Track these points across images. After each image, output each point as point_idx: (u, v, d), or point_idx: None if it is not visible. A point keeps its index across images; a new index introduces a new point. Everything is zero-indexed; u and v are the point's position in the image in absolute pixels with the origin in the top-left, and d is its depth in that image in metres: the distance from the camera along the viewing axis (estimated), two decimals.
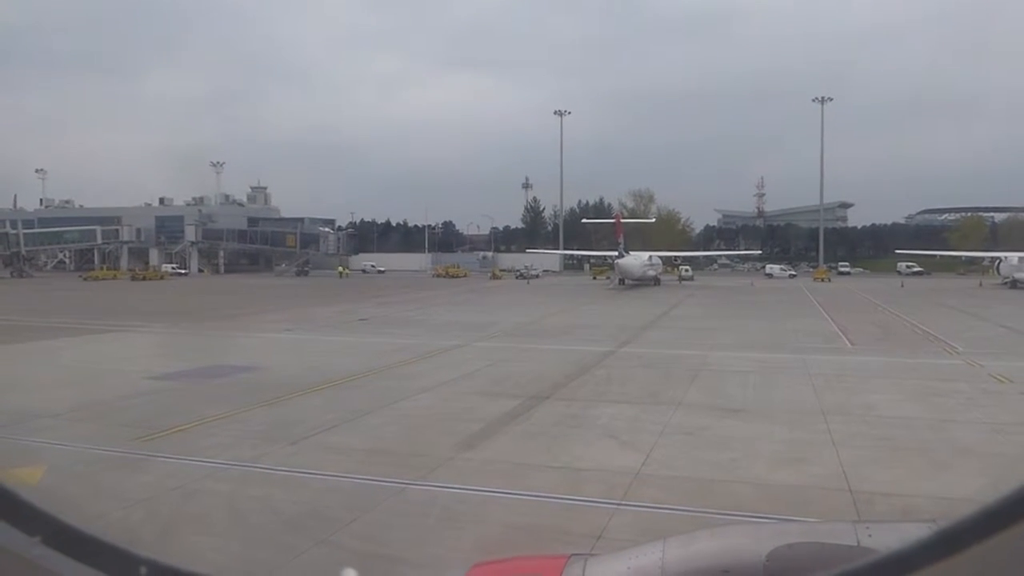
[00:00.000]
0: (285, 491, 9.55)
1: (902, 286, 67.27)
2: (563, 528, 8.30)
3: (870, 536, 2.28)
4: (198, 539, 8.14)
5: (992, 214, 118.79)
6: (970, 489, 9.03)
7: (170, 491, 9.47)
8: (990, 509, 1.21)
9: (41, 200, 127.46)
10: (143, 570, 1.64)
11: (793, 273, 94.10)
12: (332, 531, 8.09)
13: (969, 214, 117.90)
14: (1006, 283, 63.62)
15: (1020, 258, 63.51)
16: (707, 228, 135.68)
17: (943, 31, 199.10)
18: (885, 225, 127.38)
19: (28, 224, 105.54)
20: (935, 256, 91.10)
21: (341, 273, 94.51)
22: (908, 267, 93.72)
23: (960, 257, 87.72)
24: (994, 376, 18.18)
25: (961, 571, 1.23)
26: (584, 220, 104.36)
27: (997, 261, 71.45)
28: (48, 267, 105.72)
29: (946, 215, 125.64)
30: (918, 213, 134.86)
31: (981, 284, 67.32)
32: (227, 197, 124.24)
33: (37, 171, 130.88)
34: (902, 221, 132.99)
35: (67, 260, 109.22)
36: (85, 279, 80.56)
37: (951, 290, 59.97)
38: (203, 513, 8.87)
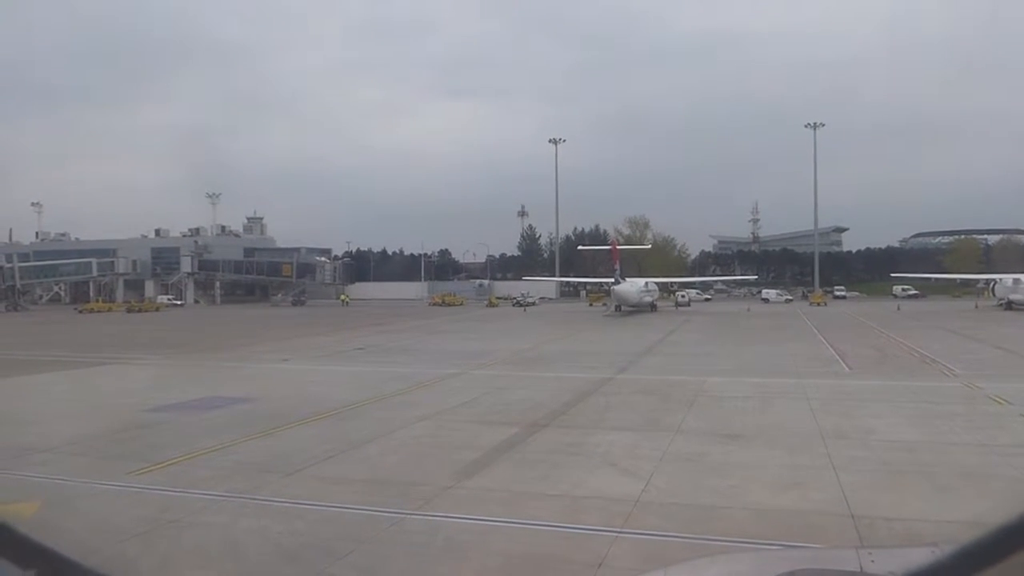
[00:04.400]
0: (282, 522, 9.46)
1: (898, 309, 67.44)
2: (563, 557, 8.21)
3: (873, 562, 2.27)
4: (194, 572, 8.05)
5: (985, 236, 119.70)
6: (972, 512, 8.97)
7: (167, 524, 9.37)
8: (994, 535, 1.21)
9: (37, 233, 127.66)
10: None
11: (789, 298, 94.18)
12: (330, 563, 8.01)
13: (962, 237, 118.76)
14: (1001, 304, 63.81)
15: (1015, 279, 63.73)
16: (702, 254, 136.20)
17: (935, 56, 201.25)
18: (880, 249, 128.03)
19: (23, 257, 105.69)
20: (930, 279, 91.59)
21: (344, 301, 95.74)
22: (904, 290, 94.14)
23: (955, 279, 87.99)
24: (993, 398, 18.16)
25: None
26: (580, 248, 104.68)
27: (992, 283, 71.77)
28: (43, 300, 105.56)
29: (940, 238, 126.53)
30: (912, 237, 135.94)
31: (977, 306, 67.47)
32: (223, 228, 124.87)
33: (33, 204, 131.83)
34: (896, 245, 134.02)
35: (62, 293, 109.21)
36: (80, 312, 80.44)
37: (947, 312, 60.10)
38: (200, 546, 8.77)
